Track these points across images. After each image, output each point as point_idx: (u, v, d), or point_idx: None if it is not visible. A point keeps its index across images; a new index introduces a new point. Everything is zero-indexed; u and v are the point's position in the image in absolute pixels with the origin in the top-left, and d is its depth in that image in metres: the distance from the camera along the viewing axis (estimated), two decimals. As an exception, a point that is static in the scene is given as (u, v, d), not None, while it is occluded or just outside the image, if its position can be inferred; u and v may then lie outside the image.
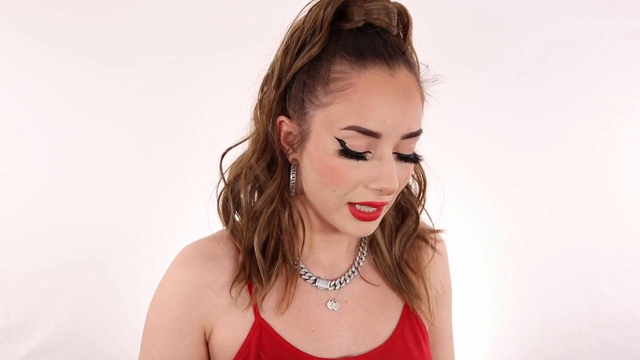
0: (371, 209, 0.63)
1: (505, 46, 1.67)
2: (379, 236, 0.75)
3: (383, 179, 0.60)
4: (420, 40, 0.69)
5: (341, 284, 0.73)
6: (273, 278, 0.68)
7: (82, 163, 1.61)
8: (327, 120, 0.61)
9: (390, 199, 0.64)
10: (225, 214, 0.72)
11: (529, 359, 1.67)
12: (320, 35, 0.62)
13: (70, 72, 1.60)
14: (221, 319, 0.69)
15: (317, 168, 0.63)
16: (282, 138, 0.67)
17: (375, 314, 0.73)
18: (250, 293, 0.69)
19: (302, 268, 0.71)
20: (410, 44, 0.67)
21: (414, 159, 0.64)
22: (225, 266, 0.70)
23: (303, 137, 0.64)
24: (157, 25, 1.62)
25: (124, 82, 1.61)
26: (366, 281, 0.74)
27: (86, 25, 1.60)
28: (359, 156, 0.60)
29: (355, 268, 0.74)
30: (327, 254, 0.73)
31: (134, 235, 1.63)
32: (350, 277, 0.73)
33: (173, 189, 1.62)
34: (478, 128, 1.66)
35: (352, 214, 0.63)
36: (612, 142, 1.68)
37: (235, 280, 0.69)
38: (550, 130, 1.68)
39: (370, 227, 0.65)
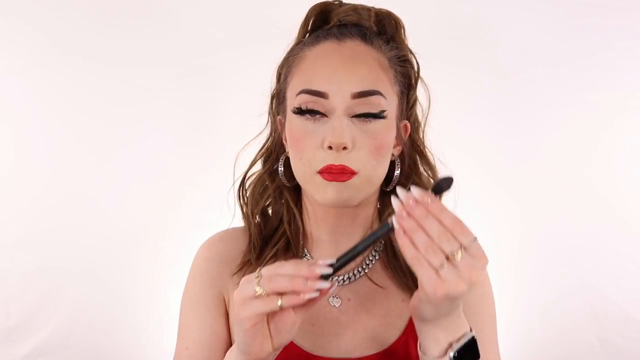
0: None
1: (504, 46, 1.67)
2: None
3: (331, 133, 0.63)
4: (415, 41, 0.71)
5: (344, 281, 0.72)
6: (269, 254, 0.72)
7: (81, 163, 1.61)
8: (290, 96, 0.68)
9: (352, 164, 0.63)
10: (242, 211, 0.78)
11: (529, 358, 1.67)
12: (298, 36, 0.72)
13: (72, 73, 1.60)
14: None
15: (289, 144, 0.68)
16: (283, 137, 0.73)
17: (376, 317, 0.72)
18: None
19: (306, 258, 0.74)
20: (402, 43, 0.72)
21: (373, 115, 0.64)
22: (244, 250, 0.75)
23: (284, 123, 0.70)
24: (158, 26, 1.62)
25: (125, 84, 1.61)
26: (373, 282, 0.73)
27: (89, 26, 1.60)
28: (312, 112, 0.64)
29: (362, 268, 0.74)
30: (334, 247, 0.73)
31: (135, 235, 1.63)
32: (355, 275, 0.73)
33: (175, 190, 1.62)
34: (477, 129, 1.66)
35: (322, 177, 0.64)
36: (613, 141, 1.68)
37: (239, 266, 0.73)
38: (550, 129, 1.68)
39: (341, 191, 0.64)
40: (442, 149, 0.77)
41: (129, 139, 1.62)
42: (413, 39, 0.73)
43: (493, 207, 1.67)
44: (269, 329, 0.55)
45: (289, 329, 0.55)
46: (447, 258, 0.52)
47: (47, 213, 1.60)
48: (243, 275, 0.69)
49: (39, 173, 1.60)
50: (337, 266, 0.54)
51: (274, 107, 0.75)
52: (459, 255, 0.52)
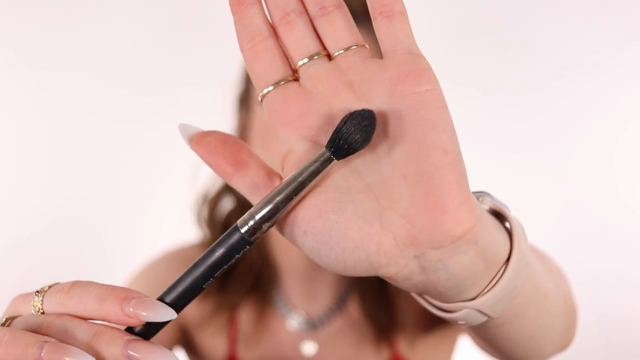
0: None
1: (510, 44, 1.66)
2: None
3: None
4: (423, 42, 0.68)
5: (322, 323, 0.63)
6: (236, 290, 0.63)
7: (79, 163, 1.61)
8: None
9: None
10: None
11: (531, 359, 1.66)
12: None
13: (66, 70, 1.59)
14: (203, 324, 0.64)
15: (257, 144, 0.62)
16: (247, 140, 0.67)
17: None
18: (232, 325, 0.64)
19: (279, 297, 0.64)
20: None
21: None
22: None
23: (249, 122, 0.65)
24: (155, 23, 1.61)
25: (121, 80, 1.60)
26: (351, 315, 0.64)
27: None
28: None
29: (337, 305, 0.64)
30: (307, 283, 0.64)
31: (134, 235, 1.62)
32: (330, 315, 0.64)
33: (173, 190, 1.61)
34: (480, 124, 1.65)
35: None
36: (612, 141, 1.67)
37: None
38: (560, 133, 1.67)
39: None
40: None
41: (124, 139, 1.62)
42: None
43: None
44: None
45: None
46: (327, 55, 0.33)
47: (42, 215, 1.59)
48: (203, 298, 0.61)
49: (32, 173, 1.59)
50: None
51: (241, 112, 0.67)
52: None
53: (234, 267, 0.65)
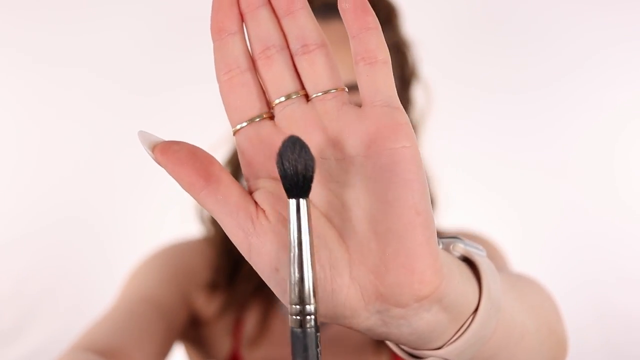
0: None
1: (512, 42, 1.66)
2: None
3: None
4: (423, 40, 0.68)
5: (324, 324, 0.63)
6: (244, 290, 0.64)
7: (74, 163, 1.60)
8: None
9: None
10: None
11: (531, 359, 1.66)
12: None
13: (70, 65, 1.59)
14: (212, 321, 0.66)
15: None
16: None
17: None
18: (238, 328, 0.65)
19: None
20: (395, 30, 0.66)
21: None
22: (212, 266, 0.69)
23: None
24: (155, 23, 1.61)
25: (124, 78, 1.60)
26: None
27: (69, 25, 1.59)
28: None
29: None
30: None
31: (133, 236, 1.61)
32: None
33: (171, 190, 1.61)
34: (478, 120, 1.65)
35: None
36: (613, 142, 1.67)
37: (211, 282, 0.66)
38: (560, 133, 1.67)
39: None
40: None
41: (124, 138, 1.61)
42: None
43: (495, 203, 1.65)
44: None
45: None
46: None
47: (41, 213, 1.58)
48: (211, 293, 0.63)
49: (32, 172, 1.59)
50: None
51: None
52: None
53: (241, 267, 0.66)
